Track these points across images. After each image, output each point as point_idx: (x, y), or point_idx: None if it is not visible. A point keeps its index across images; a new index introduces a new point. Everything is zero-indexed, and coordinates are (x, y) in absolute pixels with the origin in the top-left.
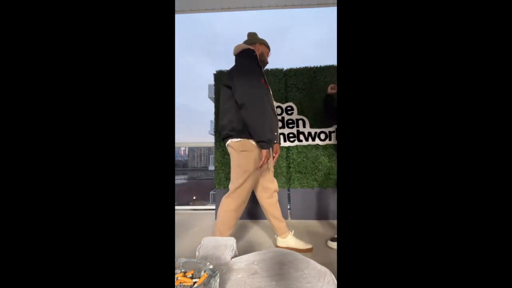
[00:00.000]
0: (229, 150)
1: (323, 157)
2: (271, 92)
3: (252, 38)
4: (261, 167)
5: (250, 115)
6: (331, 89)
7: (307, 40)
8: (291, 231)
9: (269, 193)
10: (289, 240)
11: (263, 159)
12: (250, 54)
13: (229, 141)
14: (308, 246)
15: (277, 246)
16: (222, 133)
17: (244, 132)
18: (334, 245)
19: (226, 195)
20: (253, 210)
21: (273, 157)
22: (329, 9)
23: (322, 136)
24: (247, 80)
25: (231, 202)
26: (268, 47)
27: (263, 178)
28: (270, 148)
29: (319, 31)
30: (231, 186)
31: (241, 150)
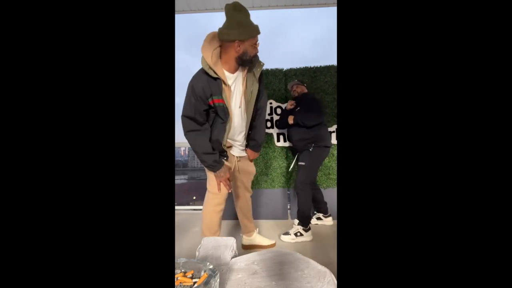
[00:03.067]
0: None
1: None
2: (231, 103)
3: (231, 31)
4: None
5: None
6: (290, 105)
7: (308, 40)
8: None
9: None
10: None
11: (217, 182)
12: (203, 66)
13: None
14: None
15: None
16: None
17: None
18: (286, 238)
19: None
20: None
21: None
22: (329, 9)
23: None
24: (183, 106)
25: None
26: (255, 36)
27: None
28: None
29: (320, 31)
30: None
31: None
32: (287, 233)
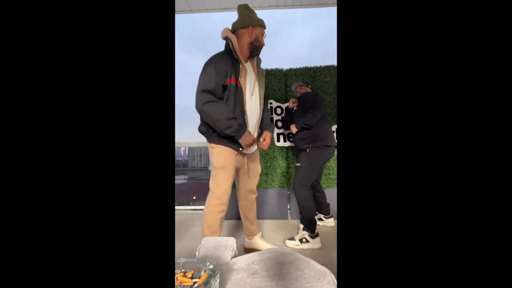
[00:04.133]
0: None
1: None
2: (246, 88)
3: (244, 19)
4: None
5: (205, 117)
6: (292, 103)
7: (308, 40)
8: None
9: None
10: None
11: (244, 146)
12: (226, 45)
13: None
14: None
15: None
16: None
17: (207, 135)
18: (290, 243)
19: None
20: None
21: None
22: (329, 9)
23: None
24: (199, 82)
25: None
26: (263, 26)
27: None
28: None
29: (320, 31)
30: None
31: (211, 147)
32: (292, 238)
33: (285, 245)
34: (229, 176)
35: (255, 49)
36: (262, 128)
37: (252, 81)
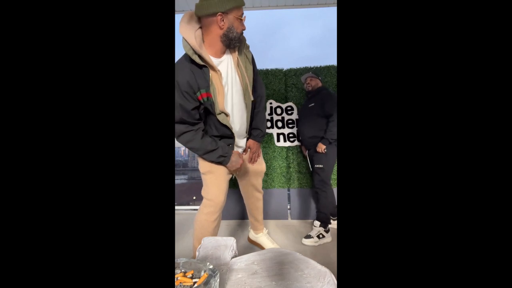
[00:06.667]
0: None
1: None
2: (225, 96)
3: (210, 1)
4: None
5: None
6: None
7: (308, 40)
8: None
9: None
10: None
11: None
12: (184, 46)
13: None
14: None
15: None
16: None
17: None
18: (309, 241)
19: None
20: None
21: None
22: (329, 9)
23: None
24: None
25: None
26: (239, 7)
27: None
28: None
29: (320, 31)
30: None
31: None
32: (309, 236)
33: (302, 243)
34: (219, 180)
35: (231, 41)
36: (250, 132)
37: (234, 79)
